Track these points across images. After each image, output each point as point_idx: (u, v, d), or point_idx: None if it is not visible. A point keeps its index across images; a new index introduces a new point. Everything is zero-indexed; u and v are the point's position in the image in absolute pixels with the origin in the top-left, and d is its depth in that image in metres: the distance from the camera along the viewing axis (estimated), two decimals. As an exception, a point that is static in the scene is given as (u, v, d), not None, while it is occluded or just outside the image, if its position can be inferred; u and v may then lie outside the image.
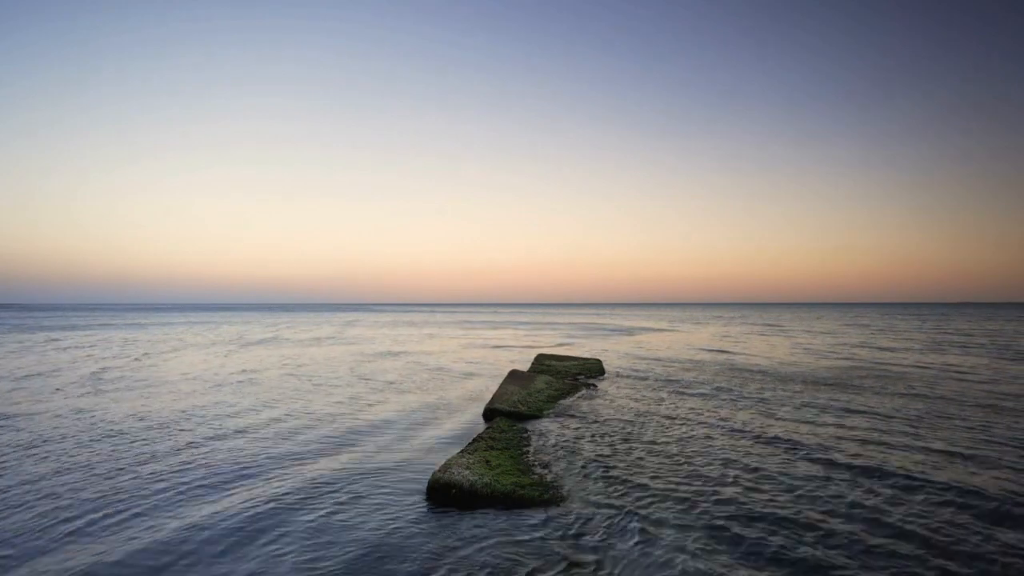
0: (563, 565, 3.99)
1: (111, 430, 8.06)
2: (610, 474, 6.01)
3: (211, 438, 7.62)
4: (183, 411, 9.52)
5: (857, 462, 6.41)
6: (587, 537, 4.44)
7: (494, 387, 12.03)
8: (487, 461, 6.04)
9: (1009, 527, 4.61)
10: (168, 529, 4.56)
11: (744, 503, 5.14)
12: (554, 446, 7.16)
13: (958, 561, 4.01)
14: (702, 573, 3.87)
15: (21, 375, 14.07)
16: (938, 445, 7.17)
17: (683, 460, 6.55)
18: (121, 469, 6.19)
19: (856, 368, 15.60)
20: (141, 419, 8.82)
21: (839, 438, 7.57)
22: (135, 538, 4.39)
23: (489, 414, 9.04)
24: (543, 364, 15.12)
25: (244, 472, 6.13)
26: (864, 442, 7.35)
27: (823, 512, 4.93)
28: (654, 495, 5.36)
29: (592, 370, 14.64)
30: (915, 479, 5.78)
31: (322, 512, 4.94)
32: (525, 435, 7.56)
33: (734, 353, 20.68)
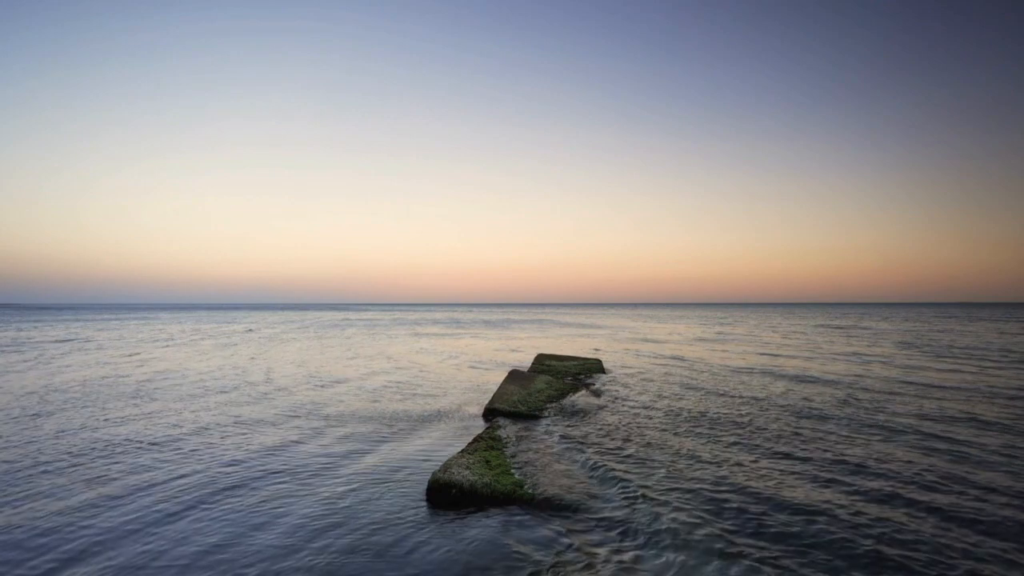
0: (563, 565, 3.98)
1: None
2: (609, 474, 6.00)
3: (210, 432, 7.63)
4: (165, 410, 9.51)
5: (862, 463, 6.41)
6: (586, 537, 4.44)
7: (494, 387, 12.02)
8: (487, 461, 6.03)
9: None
10: (166, 529, 4.56)
11: (745, 504, 5.14)
12: (554, 446, 7.15)
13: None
14: (703, 573, 3.86)
15: None
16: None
17: (683, 459, 6.54)
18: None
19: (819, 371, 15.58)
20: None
21: (838, 432, 7.57)
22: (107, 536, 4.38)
23: (489, 414, 9.04)
24: (543, 364, 15.12)
25: (239, 471, 6.13)
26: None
27: (830, 521, 4.93)
28: (654, 494, 5.35)
29: (592, 370, 14.64)
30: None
31: (321, 512, 4.94)
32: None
33: (731, 354, 20.70)
